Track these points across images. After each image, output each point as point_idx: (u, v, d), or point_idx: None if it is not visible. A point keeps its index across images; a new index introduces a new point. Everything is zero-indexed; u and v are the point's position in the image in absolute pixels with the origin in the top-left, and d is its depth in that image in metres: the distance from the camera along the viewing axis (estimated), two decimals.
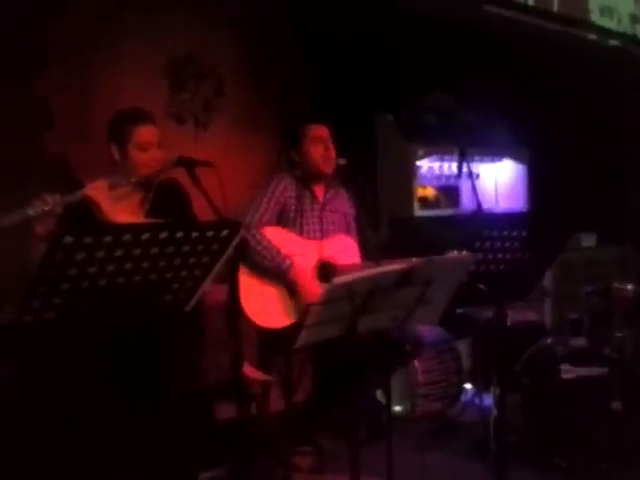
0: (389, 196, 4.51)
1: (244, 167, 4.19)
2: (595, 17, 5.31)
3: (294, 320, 3.14)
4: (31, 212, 2.30)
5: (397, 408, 3.83)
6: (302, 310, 3.13)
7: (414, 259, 2.98)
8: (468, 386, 4.12)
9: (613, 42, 5.26)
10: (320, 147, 3.29)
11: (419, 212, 4.65)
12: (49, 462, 2.46)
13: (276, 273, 3.16)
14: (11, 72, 3.43)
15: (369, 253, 3.43)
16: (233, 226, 2.09)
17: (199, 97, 4.17)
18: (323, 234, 3.37)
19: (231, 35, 4.27)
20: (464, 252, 2.50)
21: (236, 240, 2.10)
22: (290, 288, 3.19)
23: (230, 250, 2.12)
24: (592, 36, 5.12)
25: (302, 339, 2.15)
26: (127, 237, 1.85)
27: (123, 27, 3.82)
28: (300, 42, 4.53)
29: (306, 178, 3.35)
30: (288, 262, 3.15)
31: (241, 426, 2.60)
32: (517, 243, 2.62)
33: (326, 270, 3.25)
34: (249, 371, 2.98)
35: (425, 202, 4.86)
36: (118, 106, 2.79)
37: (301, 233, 3.31)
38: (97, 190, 2.51)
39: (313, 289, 3.12)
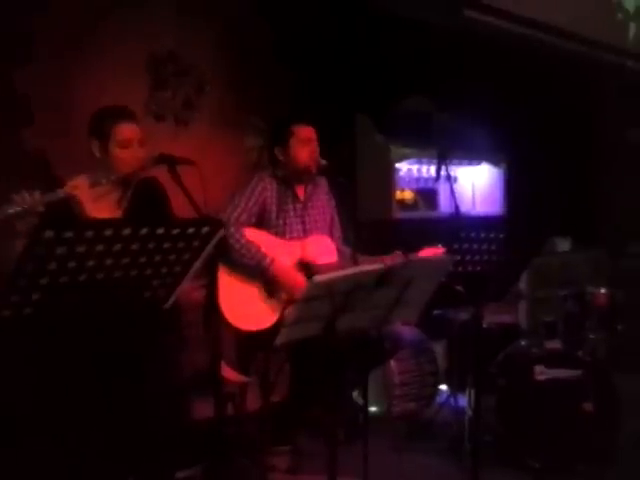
0: (368, 198, 4.53)
1: (223, 165, 4.18)
2: None
3: (273, 322, 3.14)
4: (11, 211, 2.28)
5: (373, 408, 3.85)
6: (283, 308, 3.13)
7: (393, 255, 3.05)
8: (443, 387, 4.15)
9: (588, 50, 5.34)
10: (307, 148, 3.29)
11: (398, 214, 4.68)
12: (24, 458, 2.44)
13: (257, 270, 3.14)
14: None
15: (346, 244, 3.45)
16: (214, 223, 2.10)
17: (180, 95, 4.15)
18: (306, 234, 3.37)
19: (212, 33, 4.26)
20: (438, 247, 2.52)
21: (217, 237, 2.10)
22: (269, 288, 3.19)
23: (210, 247, 2.12)
24: (570, 43, 5.20)
25: (282, 336, 2.17)
26: (108, 232, 1.85)
27: (105, 24, 3.79)
28: (281, 42, 4.52)
29: (288, 177, 3.35)
30: (269, 259, 3.15)
31: (218, 425, 2.59)
32: (494, 245, 2.65)
33: (305, 269, 3.26)
34: (226, 372, 2.98)
35: (403, 204, 4.89)
36: (99, 103, 2.78)
37: (283, 234, 3.30)
38: (78, 188, 2.50)
39: (298, 281, 3.12)
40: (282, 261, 3.19)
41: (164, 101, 4.09)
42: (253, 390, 3.35)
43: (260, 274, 3.16)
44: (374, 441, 2.98)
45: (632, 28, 5.71)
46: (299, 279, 3.14)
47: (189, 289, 2.75)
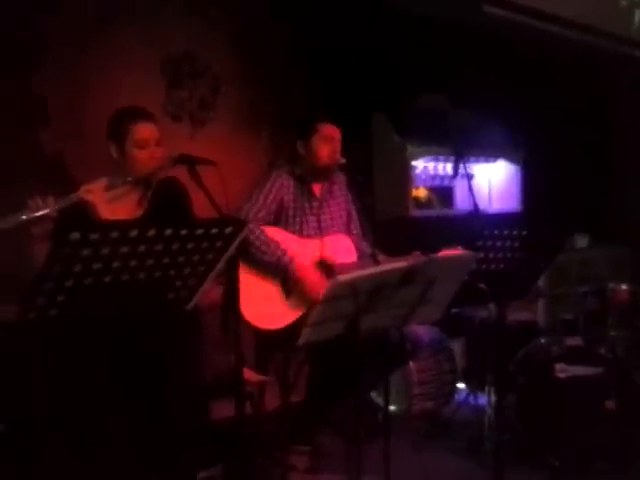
0: (385, 196, 4.51)
1: (240, 165, 4.18)
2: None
3: (291, 321, 3.13)
4: (25, 217, 2.28)
5: (392, 407, 3.84)
6: (301, 306, 3.12)
7: (413, 256, 3.03)
8: (462, 385, 4.13)
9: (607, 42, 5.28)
10: (329, 146, 3.28)
11: (414, 212, 4.67)
12: (48, 459, 2.44)
13: (276, 267, 3.12)
14: (8, 70, 3.42)
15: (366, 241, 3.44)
16: (237, 224, 2.09)
17: (196, 95, 4.16)
18: (322, 232, 3.35)
19: (228, 33, 4.27)
20: (457, 248, 2.51)
21: (240, 237, 2.09)
22: (287, 286, 3.17)
23: (233, 248, 2.12)
24: (589, 38, 5.14)
25: (305, 337, 2.15)
26: (133, 233, 1.85)
27: (120, 25, 3.81)
28: (297, 41, 4.52)
29: (305, 175, 3.33)
30: (288, 256, 3.13)
31: (238, 425, 2.58)
32: (517, 242, 2.63)
33: (325, 268, 3.25)
34: (245, 372, 2.97)
35: (417, 202, 4.88)
36: (115, 104, 2.77)
37: (300, 232, 3.29)
38: (92, 192, 2.49)
39: (316, 281, 3.10)
40: (301, 260, 3.17)
41: (180, 102, 4.10)
42: (272, 390, 3.35)
43: (278, 272, 3.14)
44: (393, 440, 2.96)
45: (637, 15, 5.57)
46: (317, 279, 3.13)
47: (208, 288, 2.75)
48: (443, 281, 2.31)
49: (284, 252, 3.13)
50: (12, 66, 3.42)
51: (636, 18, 5.46)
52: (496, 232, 2.58)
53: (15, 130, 3.42)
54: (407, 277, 2.18)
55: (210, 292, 2.94)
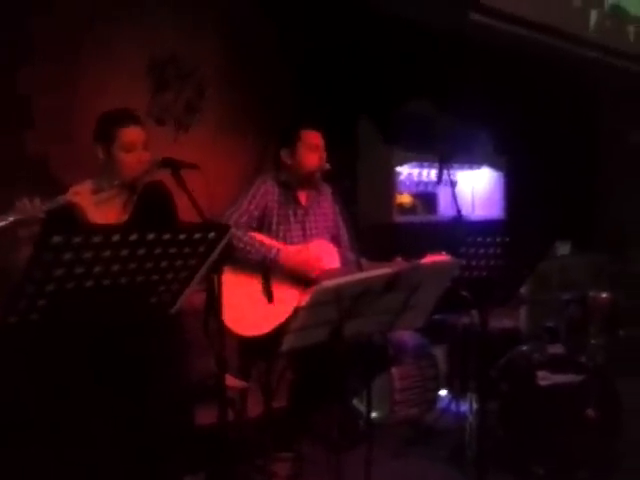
0: (368, 202, 4.52)
1: (225, 169, 4.17)
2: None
3: (273, 327, 3.11)
4: (11, 218, 2.27)
5: (374, 414, 3.83)
6: (285, 311, 3.11)
7: (395, 262, 3.03)
8: (444, 392, 4.13)
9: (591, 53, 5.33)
10: (314, 155, 3.27)
11: (397, 218, 4.68)
12: (29, 463, 2.42)
13: (264, 263, 3.12)
14: None
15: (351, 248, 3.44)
16: (221, 228, 2.08)
17: (181, 98, 4.14)
18: (306, 239, 3.35)
19: (214, 36, 4.26)
20: (444, 255, 2.51)
21: (223, 242, 2.08)
22: (270, 291, 3.16)
23: (216, 253, 2.11)
24: (571, 46, 5.19)
25: (288, 343, 2.15)
26: (115, 237, 1.83)
27: (107, 27, 3.78)
28: (284, 44, 4.52)
29: (291, 182, 3.33)
30: (275, 249, 3.13)
31: (220, 431, 2.57)
32: (500, 250, 2.64)
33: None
34: (227, 379, 2.96)
35: (402, 208, 4.89)
36: (100, 106, 2.76)
37: (283, 239, 3.28)
38: (80, 195, 2.49)
39: (308, 259, 3.13)
40: (288, 247, 3.17)
41: (166, 104, 4.07)
42: (254, 396, 3.33)
43: (264, 270, 3.13)
44: (375, 447, 2.95)
45: (593, 15, 5.59)
46: (308, 257, 3.13)
47: (189, 293, 2.73)
48: (426, 288, 2.31)
49: (269, 247, 3.13)
50: None
51: (592, 18, 5.48)
52: (479, 239, 2.59)
53: (0, 132, 3.39)
54: (391, 284, 2.19)
55: (193, 297, 2.93)
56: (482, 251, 2.62)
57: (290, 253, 3.15)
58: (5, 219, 2.25)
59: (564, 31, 4.90)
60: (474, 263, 2.64)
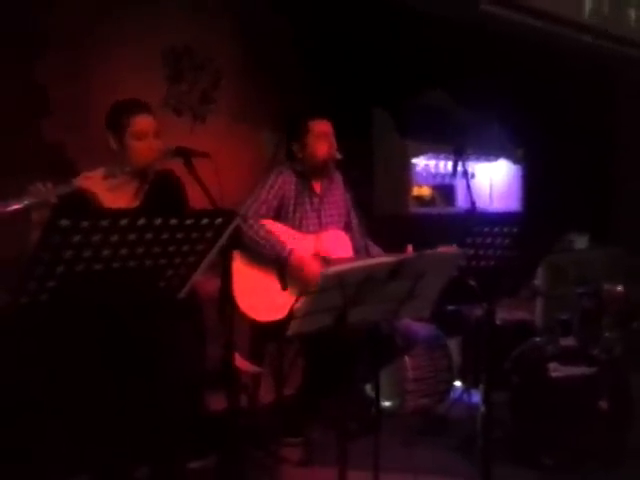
0: (385, 193, 4.53)
1: (240, 159, 4.21)
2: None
3: (287, 313, 3.16)
4: (25, 202, 2.32)
5: (386, 403, 3.85)
6: (297, 300, 3.15)
7: (409, 250, 3.05)
8: (458, 383, 4.14)
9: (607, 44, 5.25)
10: (325, 143, 3.30)
11: (414, 209, 4.68)
12: (41, 444, 2.47)
13: (276, 260, 3.16)
14: (10, 60, 3.44)
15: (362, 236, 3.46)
16: (227, 214, 2.11)
17: (196, 89, 4.18)
18: (322, 228, 3.39)
19: (229, 27, 4.29)
20: (453, 246, 2.52)
21: (230, 228, 2.12)
22: (285, 278, 3.20)
23: (224, 238, 2.14)
24: (588, 38, 5.12)
25: (293, 328, 2.17)
26: (123, 222, 1.87)
27: (122, 17, 3.83)
28: (298, 35, 4.54)
29: (306, 172, 3.37)
30: (288, 249, 3.17)
31: (230, 417, 2.61)
32: (507, 240, 2.64)
33: (322, 262, 3.26)
34: (239, 362, 2.99)
35: (421, 201, 4.90)
36: (116, 96, 2.80)
37: (300, 227, 3.32)
38: (91, 180, 2.54)
39: (315, 270, 3.13)
40: (301, 251, 3.20)
41: (181, 95, 4.12)
42: (266, 382, 3.37)
43: (278, 264, 3.17)
44: (386, 436, 2.97)
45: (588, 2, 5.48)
46: (316, 268, 3.15)
47: (204, 280, 2.77)
48: (431, 277, 2.32)
49: (283, 245, 3.16)
50: (14, 56, 3.45)
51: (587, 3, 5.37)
52: (486, 229, 2.59)
53: (16, 120, 3.45)
54: (395, 271, 2.20)
55: (206, 284, 2.98)
56: (489, 241, 2.62)
57: (300, 258, 3.18)
58: (19, 202, 2.31)
59: (578, 21, 4.84)
60: (481, 253, 2.64)
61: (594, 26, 5.14)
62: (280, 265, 3.19)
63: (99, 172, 2.61)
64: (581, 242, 4.84)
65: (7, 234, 2.60)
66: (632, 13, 5.50)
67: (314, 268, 3.15)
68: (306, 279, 3.15)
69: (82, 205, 2.50)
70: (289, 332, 2.18)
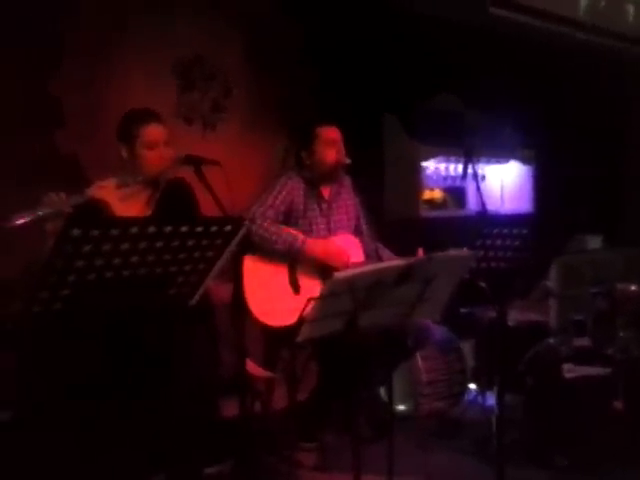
0: (395, 197, 4.54)
1: (251, 167, 4.23)
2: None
3: (298, 318, 3.16)
4: (40, 213, 2.35)
5: (401, 407, 3.85)
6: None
7: (419, 252, 3.06)
8: (472, 386, 4.13)
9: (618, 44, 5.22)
10: (333, 150, 3.31)
11: (425, 213, 4.68)
12: (53, 452, 2.49)
13: (292, 254, 3.18)
14: (25, 71, 3.49)
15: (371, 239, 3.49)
16: (236, 222, 2.13)
17: (207, 98, 4.22)
18: (331, 233, 3.40)
19: (239, 36, 4.32)
20: (464, 249, 2.52)
21: (240, 235, 2.13)
22: (297, 283, 3.22)
23: (234, 245, 2.16)
24: (598, 38, 5.10)
25: (304, 333, 2.18)
26: (133, 230, 1.90)
27: (134, 28, 3.88)
28: (308, 43, 4.56)
29: (314, 179, 3.38)
30: (301, 239, 3.18)
31: (245, 422, 2.62)
32: (518, 242, 2.64)
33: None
34: (252, 368, 3.01)
35: (432, 204, 4.90)
36: (128, 106, 2.84)
37: (309, 233, 3.33)
38: (104, 190, 2.57)
39: (335, 248, 3.20)
40: (315, 239, 3.22)
41: (192, 104, 4.15)
42: (280, 388, 3.38)
43: (291, 259, 3.18)
44: (401, 439, 2.98)
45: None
46: (335, 246, 3.20)
47: (216, 285, 2.79)
48: (441, 280, 2.33)
49: (295, 237, 3.18)
50: (28, 67, 3.50)
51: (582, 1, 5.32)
52: (496, 231, 2.60)
53: (31, 131, 3.49)
54: (404, 275, 2.21)
55: (219, 290, 3.00)
56: (500, 243, 2.62)
57: (317, 244, 3.20)
58: (34, 213, 2.34)
59: (586, 23, 4.82)
60: (492, 254, 2.64)
61: (590, 22, 5.10)
62: (293, 261, 3.19)
63: (112, 181, 2.64)
64: (595, 242, 4.81)
65: (21, 246, 2.64)
66: (630, 9, 5.46)
67: (333, 247, 3.18)
68: (331, 260, 3.18)
69: (96, 215, 2.52)
70: (299, 337, 2.19)
